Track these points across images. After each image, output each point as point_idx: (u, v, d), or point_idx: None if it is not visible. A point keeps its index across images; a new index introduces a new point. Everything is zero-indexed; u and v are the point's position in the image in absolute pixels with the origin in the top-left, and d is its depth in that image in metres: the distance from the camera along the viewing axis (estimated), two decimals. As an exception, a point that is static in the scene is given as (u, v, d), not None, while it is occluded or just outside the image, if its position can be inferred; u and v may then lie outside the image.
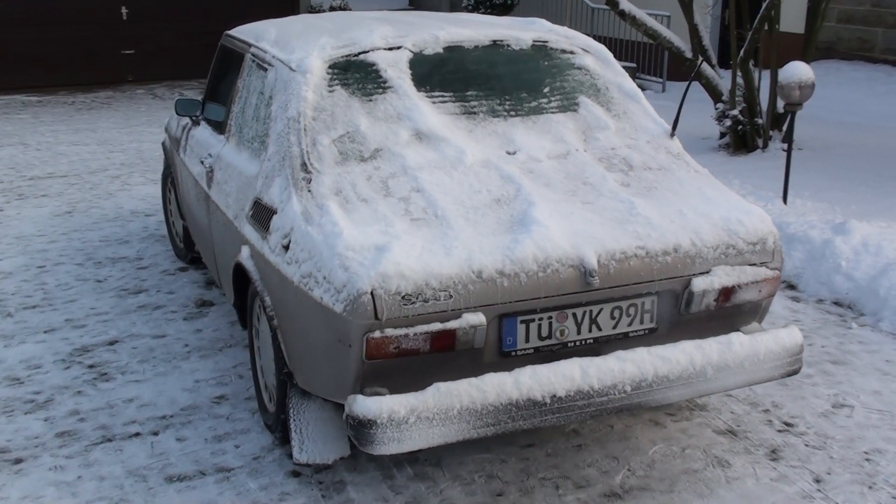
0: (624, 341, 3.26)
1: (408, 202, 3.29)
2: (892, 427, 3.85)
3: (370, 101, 3.65)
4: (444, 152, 3.53)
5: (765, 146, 8.33)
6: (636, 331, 3.27)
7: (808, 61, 8.29)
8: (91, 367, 4.50)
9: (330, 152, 3.47)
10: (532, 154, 3.62)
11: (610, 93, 3.99)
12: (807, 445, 3.69)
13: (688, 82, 3.89)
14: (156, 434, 3.86)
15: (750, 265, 3.33)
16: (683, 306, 3.28)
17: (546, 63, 4.01)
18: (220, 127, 4.60)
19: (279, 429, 3.65)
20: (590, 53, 4.11)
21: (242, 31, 4.66)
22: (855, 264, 5.30)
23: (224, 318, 5.09)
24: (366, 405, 2.87)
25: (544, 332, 3.14)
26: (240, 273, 3.87)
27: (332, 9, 15.89)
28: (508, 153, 3.60)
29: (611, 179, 3.53)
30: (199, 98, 5.22)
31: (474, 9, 15.14)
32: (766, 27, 8.03)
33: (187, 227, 5.54)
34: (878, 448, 3.68)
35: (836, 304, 5.21)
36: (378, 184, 3.38)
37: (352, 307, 2.89)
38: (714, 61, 8.59)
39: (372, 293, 2.88)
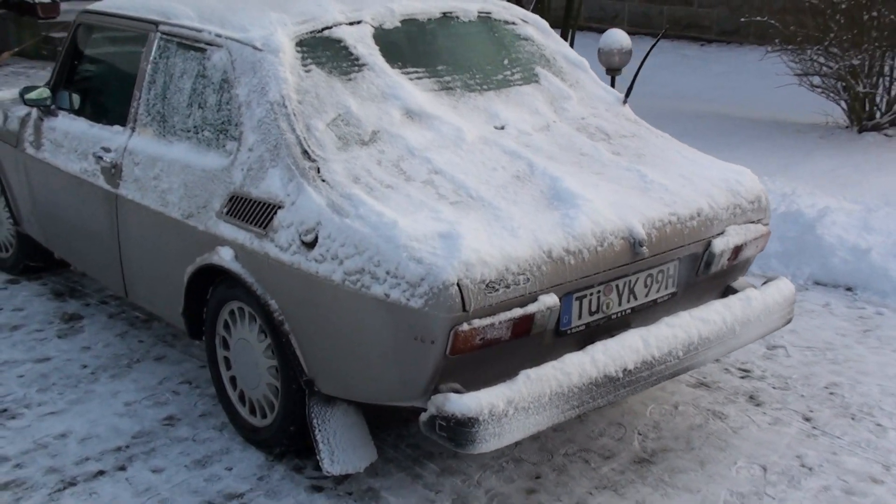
0: (652, 308, 3.30)
1: (434, 186, 3.11)
2: (828, 360, 4.20)
3: (350, 80, 3.39)
4: (440, 131, 3.36)
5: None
6: (662, 297, 3.32)
7: (571, 30, 8.73)
8: (-21, 404, 3.87)
9: (328, 137, 3.20)
10: (520, 128, 3.54)
11: (559, 63, 3.98)
12: (774, 388, 3.94)
13: (647, 52, 3.96)
14: (123, 469, 3.40)
15: (751, 223, 3.48)
16: (702, 268, 3.36)
17: (496, 35, 3.92)
18: (108, 117, 4.08)
19: (283, 443, 3.35)
20: (529, 24, 4.07)
21: (127, 8, 4.12)
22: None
23: (107, 330, 4.54)
24: (464, 403, 2.70)
25: (593, 307, 3.10)
26: (201, 277, 3.48)
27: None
28: (496, 128, 3.50)
29: (602, 149, 3.54)
30: (43, 85, 4.59)
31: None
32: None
33: (27, 233, 4.88)
34: (833, 381, 4.00)
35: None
36: (392, 168, 3.17)
37: (436, 301, 2.69)
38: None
39: (458, 284, 2.70)
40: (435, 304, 2.70)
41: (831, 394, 3.90)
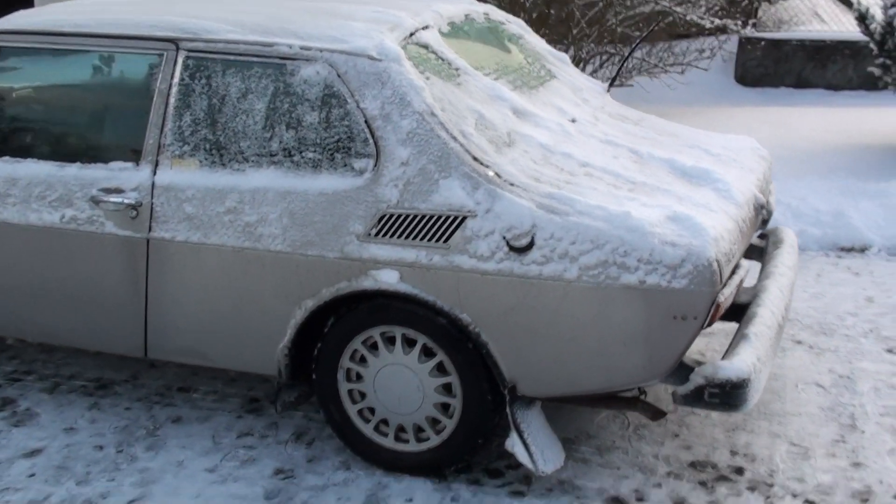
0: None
1: (596, 178, 3.24)
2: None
3: (459, 84, 3.36)
4: (550, 127, 3.47)
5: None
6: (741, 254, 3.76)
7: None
8: None
9: (482, 142, 3.17)
10: (585, 119, 3.74)
11: (551, 59, 4.20)
12: (748, 324, 4.57)
13: (634, 44, 4.30)
14: (305, 530, 3.09)
15: (770, 182, 4.05)
16: (759, 224, 3.85)
17: (505, 35, 4.05)
18: (95, 154, 3.52)
19: (464, 458, 3.28)
20: (512, 24, 4.23)
21: (85, 25, 3.53)
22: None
23: (67, 406, 3.87)
24: (736, 367, 2.92)
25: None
26: (326, 311, 3.26)
27: None
28: (571, 121, 3.67)
29: (650, 132, 3.87)
30: None
31: None
32: None
33: None
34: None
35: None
36: (549, 165, 3.24)
37: (700, 279, 2.89)
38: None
39: (717, 260, 2.92)
40: (700, 282, 2.89)
41: (788, 319, 4.62)
